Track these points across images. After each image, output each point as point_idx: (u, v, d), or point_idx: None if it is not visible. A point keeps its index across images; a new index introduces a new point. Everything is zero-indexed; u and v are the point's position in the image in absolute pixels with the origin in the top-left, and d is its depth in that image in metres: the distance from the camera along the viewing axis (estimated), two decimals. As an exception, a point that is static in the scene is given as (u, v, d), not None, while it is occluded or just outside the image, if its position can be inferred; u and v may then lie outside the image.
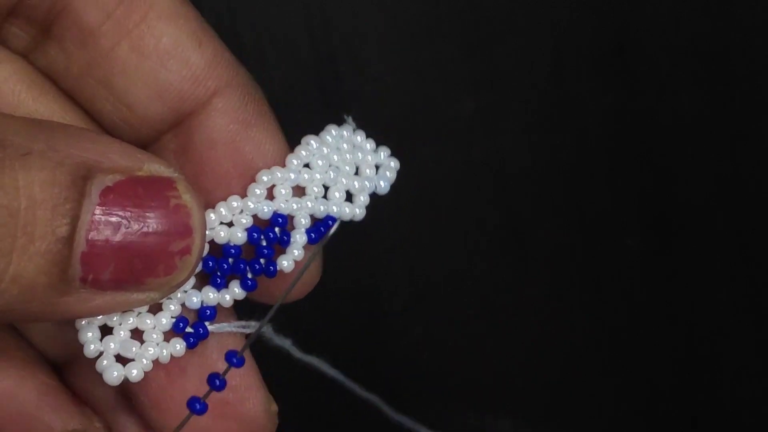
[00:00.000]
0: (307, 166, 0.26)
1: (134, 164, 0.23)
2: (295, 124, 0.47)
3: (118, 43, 0.25)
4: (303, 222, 0.26)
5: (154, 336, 0.25)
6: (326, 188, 0.26)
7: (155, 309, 0.26)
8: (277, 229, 0.26)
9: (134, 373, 0.25)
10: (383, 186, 0.27)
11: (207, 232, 0.25)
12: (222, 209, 0.25)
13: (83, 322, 0.25)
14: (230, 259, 0.26)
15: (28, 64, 0.26)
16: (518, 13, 0.46)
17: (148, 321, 0.25)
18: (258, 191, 0.26)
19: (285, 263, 0.26)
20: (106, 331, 0.25)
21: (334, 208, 0.26)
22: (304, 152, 0.26)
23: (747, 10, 0.47)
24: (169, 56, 0.25)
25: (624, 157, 0.47)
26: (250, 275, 0.26)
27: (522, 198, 0.47)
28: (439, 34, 0.46)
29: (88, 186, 0.22)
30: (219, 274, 0.26)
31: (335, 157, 0.26)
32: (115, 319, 0.25)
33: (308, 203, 0.26)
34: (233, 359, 0.25)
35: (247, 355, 0.27)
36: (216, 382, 0.25)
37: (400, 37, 0.46)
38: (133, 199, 0.22)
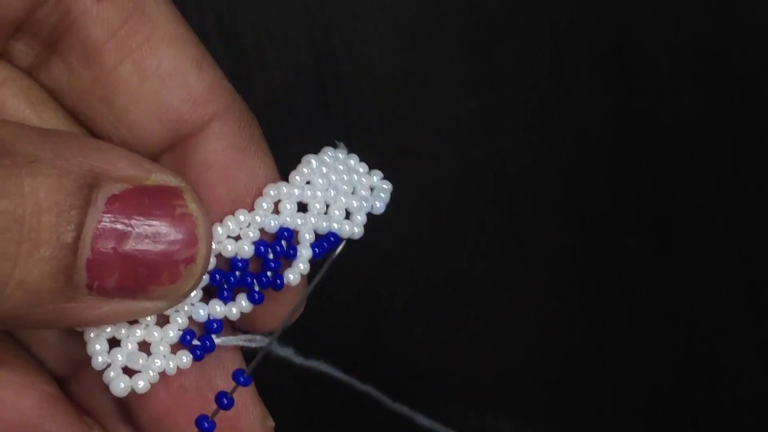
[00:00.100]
0: (307, 183, 0.27)
1: (142, 174, 0.23)
2: (295, 124, 0.47)
3: (121, 62, 0.25)
4: (307, 237, 0.26)
5: (161, 348, 0.25)
6: (327, 206, 0.27)
7: (162, 321, 0.26)
8: (284, 243, 0.26)
9: (141, 384, 0.25)
10: (379, 206, 0.27)
11: (214, 246, 0.25)
12: (229, 223, 0.26)
13: (92, 335, 0.25)
14: (237, 273, 0.26)
15: (32, 82, 0.27)
16: (518, 13, 0.46)
17: (155, 333, 0.26)
18: (265, 205, 0.26)
19: (291, 276, 0.26)
20: (113, 343, 0.25)
21: (336, 225, 0.27)
22: (305, 170, 0.27)
23: (747, 10, 0.47)
24: (170, 78, 0.25)
25: (624, 157, 0.47)
26: (257, 288, 0.26)
27: (522, 198, 0.47)
28: (439, 34, 0.46)
29: (94, 194, 0.22)
30: (226, 287, 0.26)
31: (333, 176, 0.27)
32: (123, 331, 0.25)
33: (312, 219, 0.26)
34: (240, 378, 0.26)
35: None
36: (224, 401, 0.25)
37: (400, 37, 0.46)
38: (138, 208, 0.23)
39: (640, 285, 0.48)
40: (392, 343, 0.47)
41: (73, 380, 0.28)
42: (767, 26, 0.47)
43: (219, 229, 0.26)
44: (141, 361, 0.25)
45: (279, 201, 0.26)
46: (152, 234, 0.23)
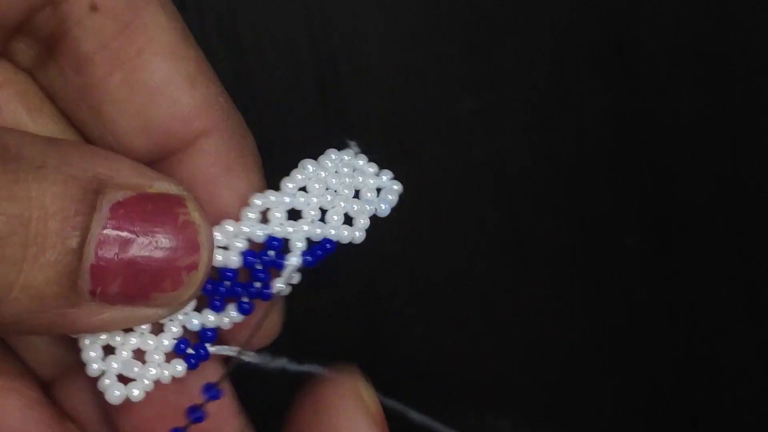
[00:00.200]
0: (304, 189, 0.26)
1: (145, 181, 0.24)
2: (295, 124, 0.47)
3: (111, 73, 0.25)
4: (298, 245, 0.26)
5: (156, 357, 0.25)
6: (325, 211, 0.26)
7: (156, 330, 0.26)
8: (272, 252, 0.26)
9: (135, 393, 0.25)
10: (384, 208, 0.27)
11: None
12: (217, 233, 0.26)
13: (86, 342, 0.25)
14: (227, 282, 0.26)
15: (30, 85, 0.27)
16: (518, 13, 0.46)
17: (150, 342, 0.26)
18: (251, 215, 0.26)
19: (279, 286, 0.26)
20: (108, 350, 0.25)
21: (332, 231, 0.26)
22: (299, 176, 0.26)
23: (747, 10, 0.47)
24: (159, 93, 0.25)
25: (624, 157, 0.47)
26: (246, 299, 0.26)
27: (522, 198, 0.47)
28: (439, 34, 0.46)
29: (99, 200, 0.23)
30: (217, 296, 0.26)
31: (333, 180, 0.26)
32: (117, 339, 0.25)
33: (304, 226, 0.26)
34: (210, 391, 0.26)
35: (227, 384, 0.27)
36: (194, 414, 0.25)
37: (400, 37, 0.46)
38: (142, 215, 0.23)
39: (640, 285, 0.48)
40: (392, 343, 0.47)
41: (57, 384, 0.28)
42: (767, 26, 0.47)
43: None
44: (136, 369, 0.25)
45: (268, 210, 0.26)
46: (156, 241, 0.23)
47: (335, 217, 0.26)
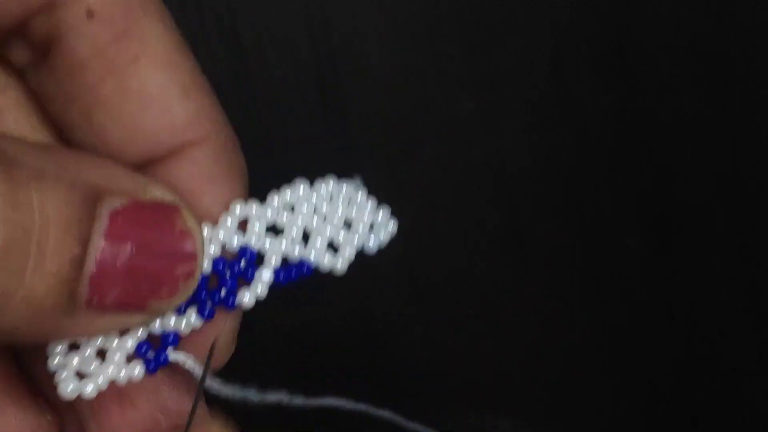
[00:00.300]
0: (291, 209, 0.26)
1: (140, 188, 0.23)
2: (295, 124, 0.47)
3: (104, 79, 0.25)
4: (273, 260, 0.25)
5: (116, 357, 0.25)
6: (309, 235, 0.26)
7: (123, 331, 0.26)
8: (243, 262, 0.25)
9: (89, 389, 0.25)
10: (371, 245, 0.26)
11: None
12: None
13: None
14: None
15: (21, 91, 0.27)
16: (518, 13, 0.46)
17: (114, 342, 0.25)
18: (229, 221, 0.25)
19: (245, 298, 0.25)
20: (73, 347, 0.25)
21: (312, 254, 0.25)
22: (289, 192, 0.26)
23: (747, 10, 0.47)
24: (151, 101, 0.25)
25: (624, 157, 0.47)
26: (209, 304, 0.25)
27: (522, 198, 0.47)
28: (439, 34, 0.46)
29: (99, 208, 0.22)
30: None
31: (325, 206, 0.26)
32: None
33: (283, 243, 0.25)
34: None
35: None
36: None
37: (400, 37, 0.46)
38: (140, 223, 0.23)
39: (640, 285, 0.48)
40: (392, 343, 0.47)
41: (32, 357, 0.28)
42: (767, 26, 0.47)
43: None
44: (92, 366, 0.25)
45: (247, 220, 0.25)
46: (154, 249, 0.23)
47: (318, 242, 0.25)
